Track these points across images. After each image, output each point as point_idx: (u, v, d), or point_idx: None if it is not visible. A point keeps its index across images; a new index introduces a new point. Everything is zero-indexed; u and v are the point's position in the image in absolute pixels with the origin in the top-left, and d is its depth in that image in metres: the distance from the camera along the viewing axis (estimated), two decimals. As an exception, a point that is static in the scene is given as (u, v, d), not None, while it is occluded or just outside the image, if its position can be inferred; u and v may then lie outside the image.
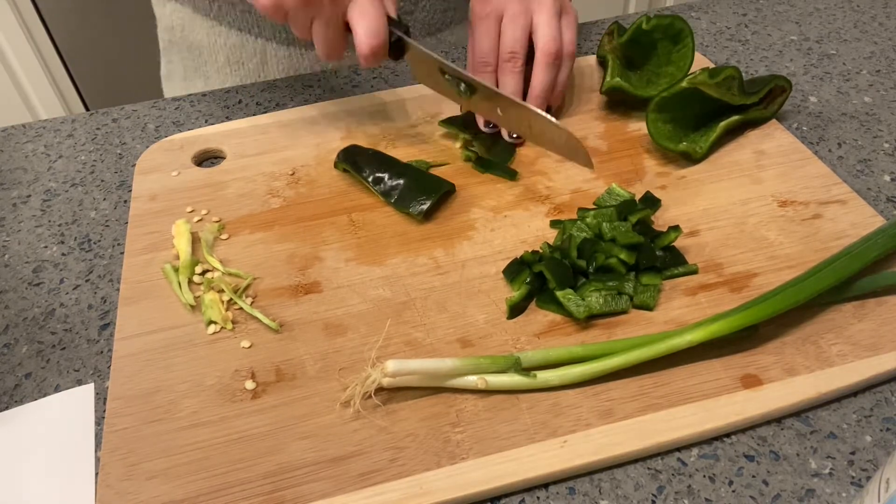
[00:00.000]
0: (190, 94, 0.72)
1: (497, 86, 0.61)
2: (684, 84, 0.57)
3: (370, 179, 0.57)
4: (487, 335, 0.47)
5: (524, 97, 0.61)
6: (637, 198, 0.55)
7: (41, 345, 0.49)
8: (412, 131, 0.64)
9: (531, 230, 0.54)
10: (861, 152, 0.61)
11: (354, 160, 0.58)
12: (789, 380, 0.43)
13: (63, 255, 0.56)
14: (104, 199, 0.60)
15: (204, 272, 0.51)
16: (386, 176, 0.56)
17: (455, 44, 0.80)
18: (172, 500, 0.39)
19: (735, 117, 0.60)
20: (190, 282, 0.51)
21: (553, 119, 0.55)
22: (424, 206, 0.54)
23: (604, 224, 0.50)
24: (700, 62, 0.70)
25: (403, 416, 0.42)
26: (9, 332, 0.50)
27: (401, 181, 0.56)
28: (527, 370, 0.43)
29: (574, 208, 0.55)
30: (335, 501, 0.39)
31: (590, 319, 0.47)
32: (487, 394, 0.43)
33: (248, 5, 0.72)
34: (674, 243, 0.51)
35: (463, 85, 0.58)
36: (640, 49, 0.64)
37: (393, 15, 0.55)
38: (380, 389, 0.43)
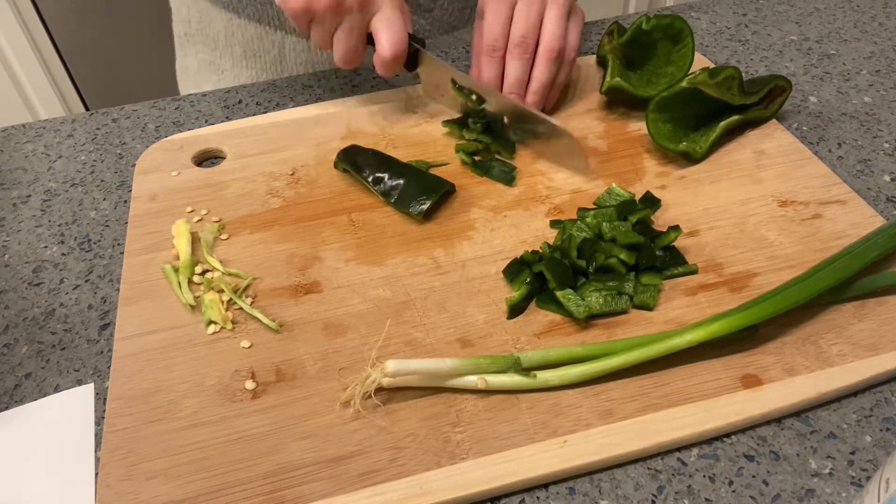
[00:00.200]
0: (190, 95, 0.72)
1: (503, 74, 0.61)
2: (684, 84, 0.57)
3: (370, 179, 0.57)
4: (487, 335, 0.47)
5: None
6: (637, 198, 0.55)
7: (41, 345, 0.49)
8: (412, 131, 0.64)
9: (531, 230, 0.54)
10: (861, 152, 0.61)
11: (354, 160, 0.58)
12: (789, 380, 0.43)
13: (63, 255, 0.56)
14: (104, 199, 0.60)
15: (204, 272, 0.51)
16: (386, 176, 0.56)
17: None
18: (172, 500, 0.39)
19: (735, 117, 0.60)
20: (190, 282, 0.51)
21: (558, 123, 0.56)
22: (424, 206, 0.54)
23: (604, 224, 0.50)
24: (700, 62, 0.70)
25: (403, 416, 0.42)
26: (9, 332, 0.50)
27: (401, 181, 0.56)
28: (527, 370, 0.43)
29: (574, 208, 0.55)
30: (335, 501, 0.39)
31: (590, 319, 0.47)
32: (487, 394, 0.43)
33: None
34: (674, 243, 0.51)
35: (475, 95, 0.61)
36: (640, 49, 0.64)
37: (410, 31, 0.59)
38: (380, 389, 0.43)
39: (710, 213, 0.54)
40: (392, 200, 0.56)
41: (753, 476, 0.40)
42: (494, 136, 0.61)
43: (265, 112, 0.68)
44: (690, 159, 0.59)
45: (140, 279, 0.51)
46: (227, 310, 0.49)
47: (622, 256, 0.48)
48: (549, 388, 0.43)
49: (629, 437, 0.41)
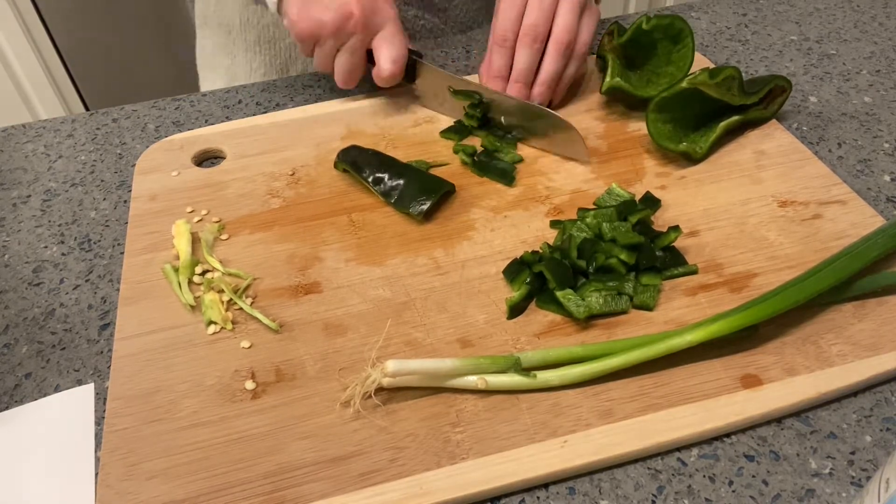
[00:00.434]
0: (190, 95, 0.72)
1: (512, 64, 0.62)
2: (684, 84, 0.57)
3: (370, 179, 0.57)
4: (487, 335, 0.47)
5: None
6: (637, 198, 0.55)
7: (41, 345, 0.49)
8: (412, 131, 0.64)
9: (531, 230, 0.54)
10: (861, 152, 0.61)
11: (354, 160, 0.58)
12: (789, 380, 0.43)
13: (63, 255, 0.56)
14: (104, 199, 0.60)
15: (204, 272, 0.51)
16: (386, 176, 0.56)
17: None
18: (172, 500, 0.39)
19: (735, 117, 0.60)
20: (190, 282, 0.51)
21: (557, 114, 0.56)
22: (424, 207, 0.54)
23: (604, 224, 0.50)
24: (700, 62, 0.70)
25: (403, 416, 0.42)
26: (9, 332, 0.50)
27: (401, 181, 0.56)
28: (527, 370, 0.43)
29: (574, 208, 0.55)
30: (335, 501, 0.39)
31: (590, 319, 0.47)
32: (487, 394, 0.43)
33: None
34: (674, 243, 0.51)
35: (476, 95, 0.62)
36: (640, 49, 0.64)
37: (409, 46, 0.62)
38: (380, 389, 0.43)
39: (710, 213, 0.54)
40: (392, 201, 0.56)
41: (753, 476, 0.40)
42: (493, 131, 0.62)
43: (265, 112, 0.68)
44: (690, 159, 0.59)
45: (140, 279, 0.51)
46: (227, 310, 0.49)
47: (622, 257, 0.48)
48: (549, 388, 0.43)
49: (629, 437, 0.41)
